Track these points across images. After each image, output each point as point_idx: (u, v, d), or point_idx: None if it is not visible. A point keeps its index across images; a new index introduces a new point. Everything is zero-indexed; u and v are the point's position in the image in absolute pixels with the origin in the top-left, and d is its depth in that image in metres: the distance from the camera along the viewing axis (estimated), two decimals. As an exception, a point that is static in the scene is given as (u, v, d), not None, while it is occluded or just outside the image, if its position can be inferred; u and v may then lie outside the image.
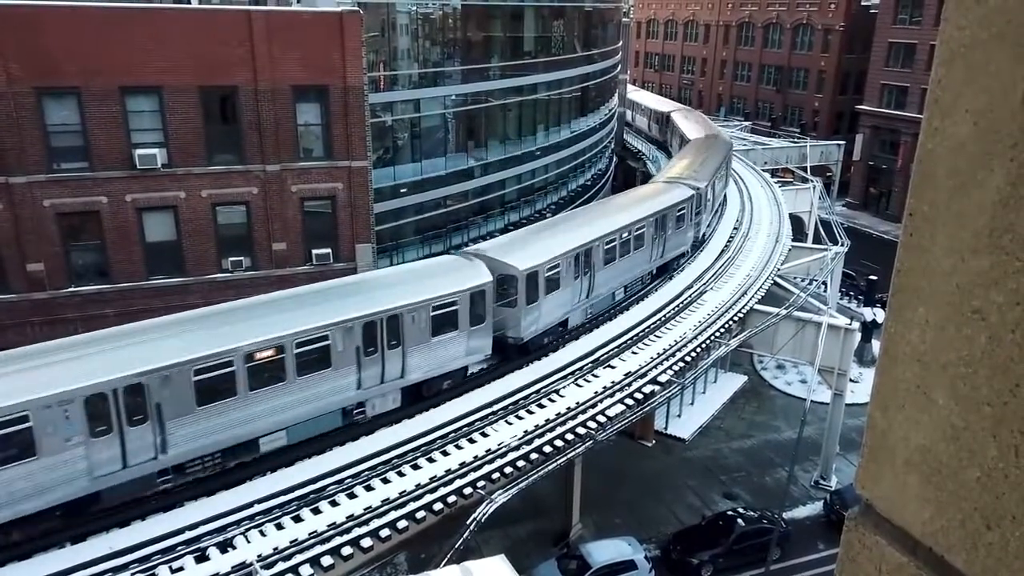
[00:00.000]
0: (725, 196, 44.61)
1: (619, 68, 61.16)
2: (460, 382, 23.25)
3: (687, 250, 34.70)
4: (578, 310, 27.32)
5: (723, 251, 37.08)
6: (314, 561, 16.48)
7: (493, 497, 18.84)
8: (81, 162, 24.34)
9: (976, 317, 1.30)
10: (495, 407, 22.38)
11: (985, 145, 1.27)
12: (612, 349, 26.24)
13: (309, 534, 16.99)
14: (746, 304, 30.82)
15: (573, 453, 21.49)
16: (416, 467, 19.61)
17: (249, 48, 25.28)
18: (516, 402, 22.78)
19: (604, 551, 25.01)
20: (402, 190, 34.06)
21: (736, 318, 29.84)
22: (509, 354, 24.52)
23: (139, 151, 24.58)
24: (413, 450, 20.20)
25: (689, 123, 53.73)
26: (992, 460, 1.29)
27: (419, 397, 22.04)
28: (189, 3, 33.66)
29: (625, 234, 28.99)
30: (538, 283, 24.29)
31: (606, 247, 27.81)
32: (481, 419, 21.78)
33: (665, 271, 33.26)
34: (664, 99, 72.92)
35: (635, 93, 74.79)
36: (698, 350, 27.11)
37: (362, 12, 27.55)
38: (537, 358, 25.06)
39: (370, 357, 20.34)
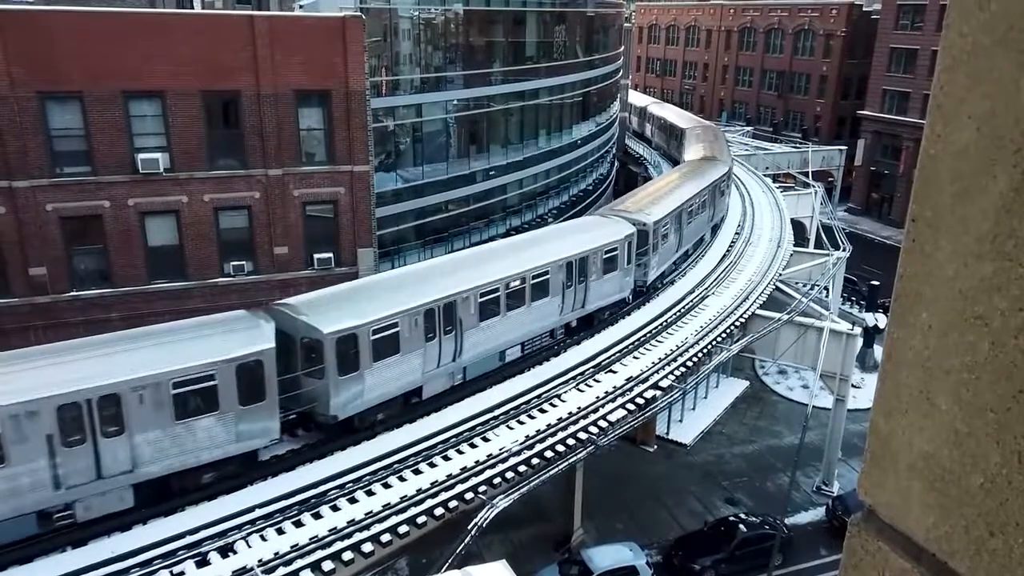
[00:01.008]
0: (721, 219, 42.61)
1: (621, 73, 61.25)
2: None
3: (627, 297, 29.78)
4: (438, 376, 22.56)
5: (724, 256, 37.08)
6: (315, 566, 16.45)
7: (495, 502, 18.81)
8: (84, 166, 24.40)
9: (979, 323, 1.30)
10: (497, 412, 22.36)
11: (988, 151, 1.27)
12: (614, 354, 26.22)
13: (310, 539, 16.96)
14: (748, 309, 30.80)
15: (575, 458, 21.46)
16: (418, 472, 19.58)
17: (252, 53, 25.35)
18: (518, 407, 22.76)
19: (605, 556, 24.95)
20: (403, 194, 34.13)
21: (738, 323, 29.81)
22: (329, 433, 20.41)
23: (142, 155, 24.64)
24: (415, 455, 20.17)
25: (694, 143, 49.36)
26: (995, 466, 1.29)
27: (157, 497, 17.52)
28: (192, 8, 33.79)
29: (516, 282, 24.08)
30: (359, 348, 19.77)
31: (481, 299, 22.86)
32: (483, 424, 21.75)
33: (590, 323, 28.26)
34: (687, 114, 65.89)
35: (658, 107, 68.77)
36: (700, 355, 27.09)
37: (364, 17, 27.63)
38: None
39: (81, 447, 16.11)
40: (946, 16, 1.33)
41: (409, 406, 21.92)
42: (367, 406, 20.31)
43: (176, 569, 15.95)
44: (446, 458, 20.23)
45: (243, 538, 16.87)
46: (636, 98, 76.52)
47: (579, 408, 22.75)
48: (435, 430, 21.19)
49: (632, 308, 30.22)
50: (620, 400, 23.48)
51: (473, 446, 20.82)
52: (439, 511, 18.42)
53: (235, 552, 16.55)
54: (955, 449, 1.36)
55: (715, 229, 40.61)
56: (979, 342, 1.31)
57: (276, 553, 16.48)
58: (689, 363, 26.41)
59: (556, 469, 20.80)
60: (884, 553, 1.47)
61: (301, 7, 29.85)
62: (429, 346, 21.59)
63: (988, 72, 1.26)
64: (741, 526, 26.95)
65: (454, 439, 20.97)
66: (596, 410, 22.81)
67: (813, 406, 28.65)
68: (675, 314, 29.82)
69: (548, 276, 25.29)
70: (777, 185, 52.67)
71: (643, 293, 31.16)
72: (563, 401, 23.27)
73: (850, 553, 1.55)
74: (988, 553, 1.30)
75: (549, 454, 20.89)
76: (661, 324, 28.81)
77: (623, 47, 61.65)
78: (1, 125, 22.93)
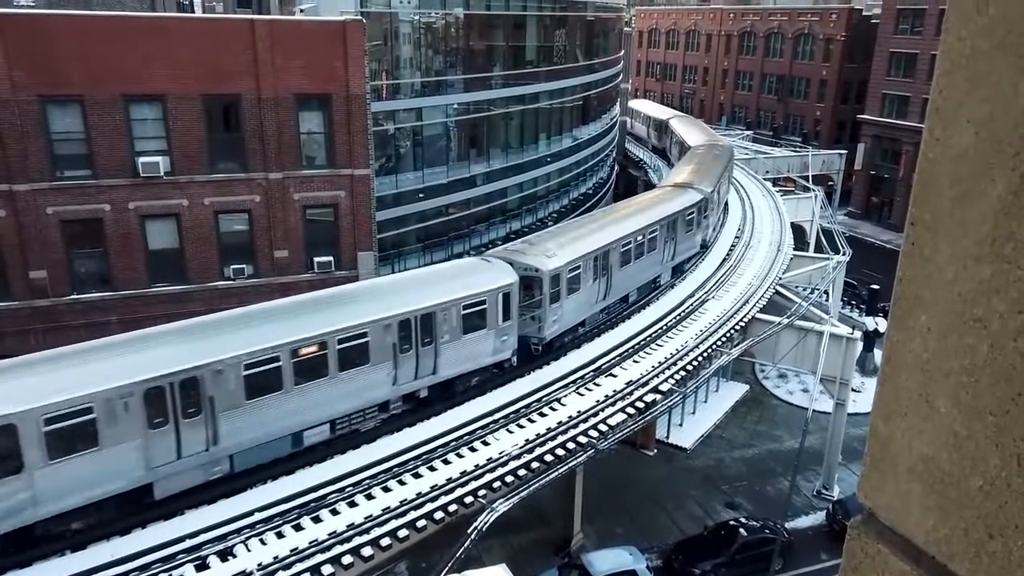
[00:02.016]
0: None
1: (621, 77, 61.34)
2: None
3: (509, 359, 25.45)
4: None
5: (724, 260, 37.07)
6: (314, 570, 16.42)
7: (494, 506, 18.79)
8: (84, 170, 24.43)
9: (978, 325, 1.30)
10: (496, 415, 22.34)
11: (987, 155, 1.28)
12: (614, 358, 26.20)
13: (310, 543, 16.94)
14: (748, 313, 30.79)
15: (574, 462, 21.44)
16: (417, 475, 19.56)
17: (252, 57, 25.39)
18: (517, 411, 22.74)
19: (605, 560, 24.91)
20: (403, 198, 34.15)
21: (738, 327, 29.80)
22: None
23: (142, 159, 24.66)
24: (414, 458, 20.15)
25: (689, 164, 43.03)
26: (995, 469, 1.29)
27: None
28: (193, 12, 33.84)
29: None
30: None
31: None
32: (482, 427, 21.74)
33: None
34: (706, 130, 57.64)
35: (681, 123, 59.88)
36: (700, 359, 27.08)
37: (365, 21, 27.67)
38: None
39: None
40: (945, 20, 1.34)
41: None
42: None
43: (175, 573, 15.92)
44: (446, 462, 20.21)
45: (242, 542, 16.84)
46: (653, 109, 70.44)
47: (579, 412, 22.73)
48: (435, 433, 21.17)
49: (633, 312, 30.22)
50: (620, 404, 23.45)
51: (473, 450, 20.81)
52: (439, 515, 18.39)
53: (234, 556, 16.53)
54: (954, 452, 1.36)
55: (678, 269, 34.78)
56: (978, 345, 1.31)
57: (275, 557, 16.45)
58: (689, 367, 26.40)
59: (556, 473, 20.78)
60: (884, 556, 1.47)
61: (302, 11, 29.89)
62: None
63: (987, 76, 1.26)
64: (741, 530, 26.91)
65: (454, 443, 20.95)
66: (596, 414, 22.79)
67: (813, 410, 28.63)
68: (675, 318, 29.81)
69: (368, 339, 20.62)
70: (777, 189, 52.70)
71: (537, 354, 25.77)
72: (563, 405, 23.24)
73: (850, 556, 1.55)
74: (988, 555, 1.30)
75: (549, 458, 20.87)
76: (662, 327, 28.79)
77: (623, 51, 61.75)
78: (2, 128, 22.95)
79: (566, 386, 23.82)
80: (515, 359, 24.70)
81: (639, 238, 30.00)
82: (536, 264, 24.92)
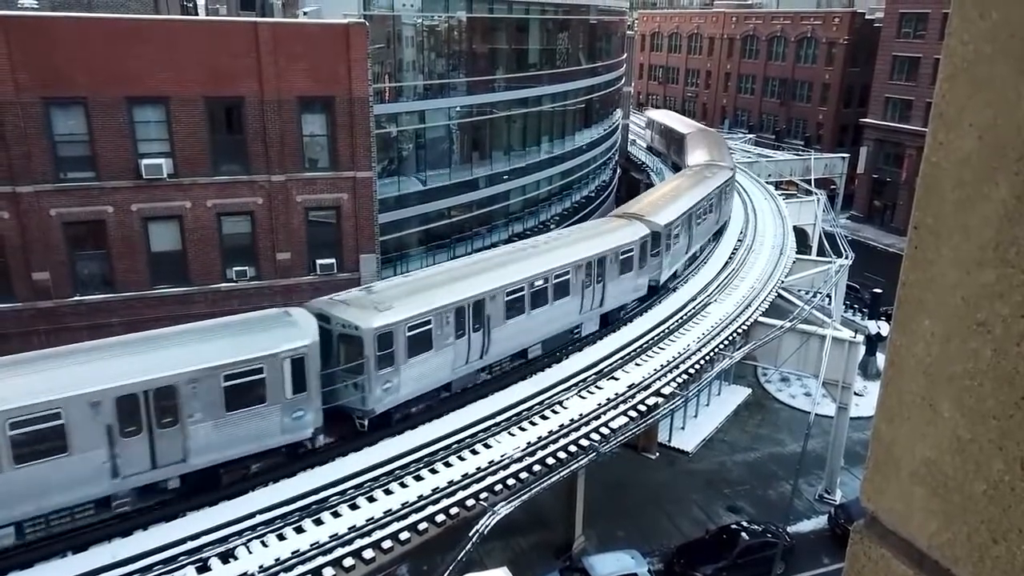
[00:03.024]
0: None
1: (623, 81, 61.38)
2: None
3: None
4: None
5: (727, 263, 37.06)
6: (316, 572, 16.43)
7: (496, 509, 18.77)
8: (87, 172, 24.46)
9: (981, 330, 1.30)
10: (498, 418, 22.34)
11: (990, 159, 1.28)
12: (616, 361, 26.19)
13: (311, 545, 16.94)
14: (750, 316, 30.76)
15: (576, 465, 21.42)
16: (419, 478, 19.56)
17: (255, 59, 25.43)
18: (519, 414, 22.73)
19: (607, 564, 24.89)
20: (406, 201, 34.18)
21: (740, 330, 29.78)
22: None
23: (145, 161, 24.70)
24: (416, 461, 20.15)
25: (660, 190, 39.33)
26: (998, 473, 1.29)
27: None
28: (196, 14, 33.93)
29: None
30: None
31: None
32: (484, 430, 21.73)
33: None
34: (716, 147, 49.91)
35: (695, 138, 53.18)
36: (702, 362, 27.05)
37: (368, 24, 27.71)
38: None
39: None
40: (948, 24, 1.34)
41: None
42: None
43: (177, 575, 15.93)
44: (448, 464, 20.21)
45: (244, 544, 16.84)
46: (674, 121, 62.88)
47: (581, 415, 22.72)
48: (437, 435, 21.17)
49: (634, 314, 30.20)
50: (622, 407, 23.44)
51: (475, 452, 20.80)
52: (440, 517, 18.38)
53: (236, 558, 16.53)
54: (958, 456, 1.36)
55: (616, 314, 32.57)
56: (981, 349, 1.31)
57: (277, 559, 16.46)
58: (691, 370, 26.37)
59: (558, 476, 20.76)
60: (887, 560, 1.47)
61: (305, 14, 29.93)
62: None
63: (990, 80, 1.26)
64: (743, 534, 26.87)
65: (456, 445, 20.95)
66: (598, 417, 22.78)
67: (815, 414, 28.59)
68: (677, 321, 29.79)
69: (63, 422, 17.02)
70: (779, 192, 52.67)
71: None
72: (565, 408, 23.23)
73: (853, 560, 1.55)
74: (991, 560, 1.30)
75: (551, 461, 20.85)
76: (663, 331, 28.77)
77: (625, 54, 61.79)
78: (5, 130, 23.00)
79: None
80: (321, 438, 20.00)
81: (539, 283, 25.03)
82: (357, 320, 20.15)
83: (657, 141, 65.28)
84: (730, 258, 37.85)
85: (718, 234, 40.52)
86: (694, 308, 31.13)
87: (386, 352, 20.34)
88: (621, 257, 28.36)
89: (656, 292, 31.62)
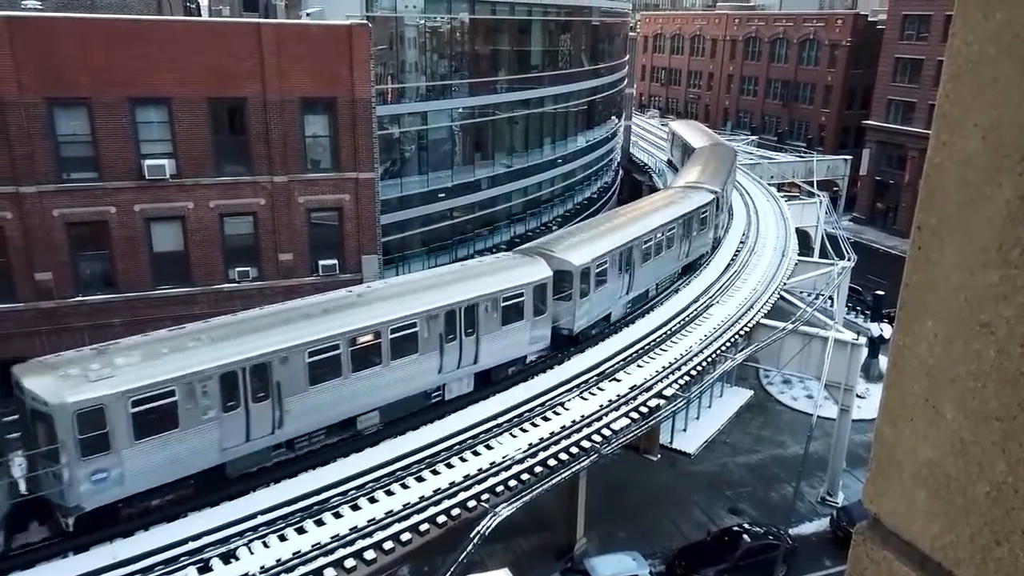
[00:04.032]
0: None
1: (626, 82, 61.39)
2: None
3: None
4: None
5: (729, 265, 37.02)
6: (317, 573, 16.42)
7: (497, 510, 18.76)
8: (90, 172, 24.50)
9: (985, 331, 1.30)
10: (500, 419, 22.33)
11: (993, 159, 1.27)
12: (618, 362, 26.17)
13: (312, 546, 16.94)
14: (752, 318, 30.74)
15: (578, 467, 21.41)
16: (420, 479, 19.56)
17: (258, 60, 25.47)
18: (521, 415, 22.72)
19: (608, 566, 24.87)
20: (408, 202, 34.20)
21: (742, 332, 29.75)
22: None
23: (148, 162, 24.74)
24: (417, 462, 20.15)
25: (595, 227, 31.89)
26: (1001, 474, 1.28)
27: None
28: (199, 15, 33.99)
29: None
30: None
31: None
32: (485, 431, 21.72)
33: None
34: (711, 163, 44.23)
35: (699, 154, 47.68)
36: (704, 364, 27.03)
37: (370, 25, 27.74)
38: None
39: None
40: (952, 25, 1.33)
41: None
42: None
43: (178, 575, 15.93)
44: (449, 465, 20.21)
45: (245, 544, 16.85)
46: (689, 132, 56.27)
47: (582, 416, 22.70)
48: (438, 437, 21.17)
49: (637, 316, 30.19)
50: (624, 409, 23.42)
51: (476, 453, 20.80)
52: (442, 518, 18.38)
53: (237, 559, 16.53)
54: (960, 457, 1.36)
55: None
56: (985, 350, 1.30)
57: (278, 560, 16.46)
58: (693, 372, 26.35)
59: (559, 477, 20.75)
60: (889, 562, 1.47)
61: (308, 15, 29.97)
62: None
63: (994, 81, 1.26)
64: (745, 536, 26.83)
65: (457, 446, 20.94)
66: (599, 418, 22.76)
67: (818, 416, 28.54)
68: (679, 322, 29.78)
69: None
70: (782, 194, 52.63)
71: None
72: (566, 409, 23.22)
73: (855, 561, 1.54)
74: (994, 562, 1.30)
75: (552, 462, 20.84)
76: (665, 333, 28.76)
77: (628, 56, 61.79)
78: (9, 130, 23.04)
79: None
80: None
81: (366, 338, 20.67)
82: (48, 394, 16.03)
83: (676, 156, 58.33)
84: (732, 260, 37.81)
85: (691, 268, 35.04)
86: (696, 310, 31.11)
87: (94, 435, 16.19)
88: (504, 304, 23.48)
89: (571, 342, 26.33)
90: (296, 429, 19.50)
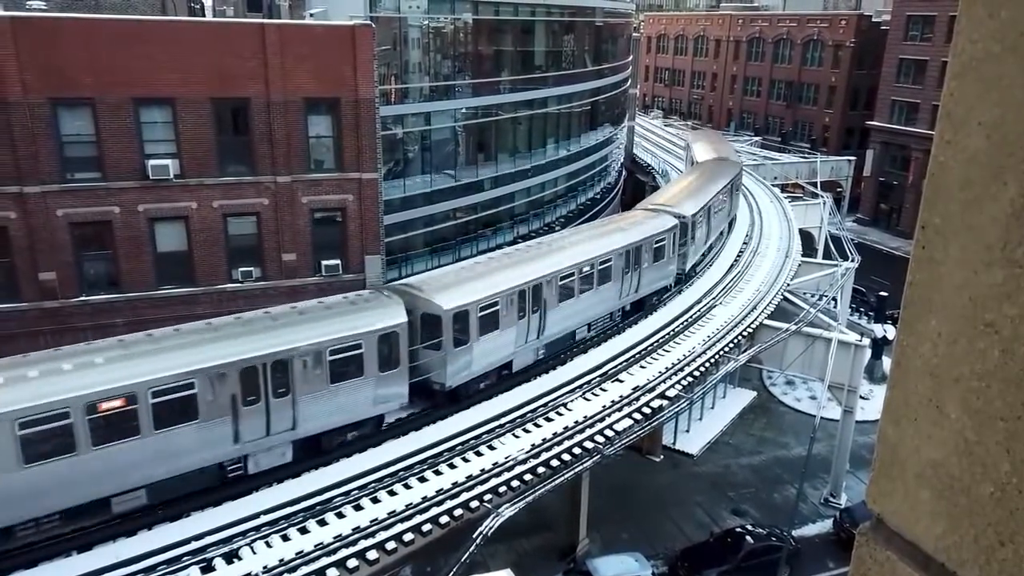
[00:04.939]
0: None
1: (629, 82, 61.38)
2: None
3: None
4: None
5: (732, 266, 36.99)
6: (320, 573, 16.43)
7: (500, 511, 18.76)
8: (94, 172, 24.55)
9: (989, 330, 1.29)
10: (503, 420, 22.33)
11: (998, 158, 1.27)
12: (620, 363, 26.15)
13: (315, 546, 16.95)
14: (755, 319, 30.70)
15: (580, 467, 21.39)
16: (423, 480, 19.56)
17: (262, 61, 25.50)
18: (524, 415, 22.71)
19: (611, 566, 24.86)
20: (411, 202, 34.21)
21: (745, 333, 29.72)
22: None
23: (152, 162, 24.78)
24: (420, 462, 20.15)
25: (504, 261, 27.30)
26: (1006, 475, 1.28)
27: None
28: (204, 15, 34.03)
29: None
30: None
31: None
32: (488, 432, 21.72)
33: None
34: (696, 176, 42.01)
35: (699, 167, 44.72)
36: (707, 365, 27.00)
37: (374, 26, 27.76)
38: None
39: None
40: (956, 23, 1.33)
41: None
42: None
43: (181, 575, 15.95)
44: (452, 466, 20.21)
45: (248, 544, 16.86)
46: (701, 145, 51.56)
47: (585, 417, 22.69)
48: (441, 437, 21.17)
49: (639, 316, 30.16)
50: (626, 409, 23.41)
51: (479, 454, 20.80)
52: (444, 519, 18.38)
53: (240, 558, 16.55)
54: (964, 458, 1.35)
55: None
56: (989, 350, 1.30)
57: (281, 560, 16.47)
58: (696, 373, 26.32)
59: (562, 478, 20.74)
60: (892, 562, 1.46)
61: (311, 15, 30.00)
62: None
63: (998, 79, 1.26)
64: (748, 537, 26.80)
65: (460, 447, 20.95)
66: (602, 419, 22.75)
67: (821, 417, 28.50)
68: (682, 323, 29.75)
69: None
70: (785, 195, 52.56)
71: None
72: (569, 410, 23.21)
73: (858, 562, 1.53)
74: (998, 563, 1.29)
75: (555, 463, 20.83)
76: (668, 334, 28.73)
77: (631, 56, 61.78)
78: (13, 130, 23.09)
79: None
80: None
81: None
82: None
83: (687, 170, 52.45)
84: (735, 261, 37.77)
85: (641, 305, 30.96)
86: (699, 311, 31.08)
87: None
88: (333, 357, 19.88)
89: (453, 398, 23.04)
90: (9, 518, 15.96)
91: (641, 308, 30.80)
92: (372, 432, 21.03)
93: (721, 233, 40.09)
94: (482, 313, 22.84)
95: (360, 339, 20.14)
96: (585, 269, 26.96)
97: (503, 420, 22.33)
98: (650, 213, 32.80)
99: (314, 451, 19.89)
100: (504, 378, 24.49)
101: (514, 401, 23.30)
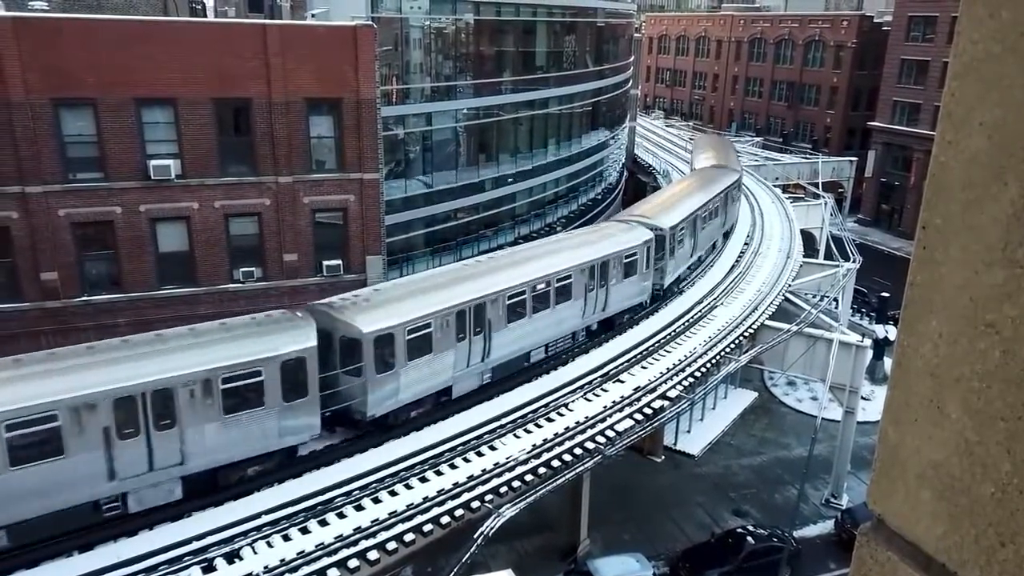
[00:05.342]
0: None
1: (631, 83, 61.39)
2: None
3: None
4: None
5: (734, 266, 36.97)
6: (321, 573, 16.43)
7: (501, 511, 18.76)
8: (96, 172, 24.58)
9: (990, 331, 1.29)
10: (504, 420, 22.32)
11: (999, 158, 1.27)
12: (622, 364, 26.14)
13: (316, 546, 16.95)
14: (757, 320, 30.69)
15: (581, 468, 21.39)
16: (424, 480, 19.56)
17: (263, 61, 25.52)
18: (525, 416, 22.70)
19: (612, 567, 24.84)
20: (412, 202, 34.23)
21: (747, 334, 29.70)
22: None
23: (153, 162, 24.81)
24: (421, 462, 20.15)
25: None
26: (1006, 475, 1.28)
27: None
28: (205, 16, 34.06)
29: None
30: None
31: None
32: (490, 432, 21.72)
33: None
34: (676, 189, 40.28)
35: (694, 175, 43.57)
36: (708, 365, 26.99)
37: (375, 26, 27.78)
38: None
39: None
40: (957, 23, 1.33)
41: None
42: None
43: (182, 575, 15.96)
44: (453, 466, 20.20)
45: (249, 544, 16.87)
46: (700, 149, 50.93)
47: (586, 418, 22.68)
48: (442, 438, 21.17)
49: (641, 317, 30.15)
50: (628, 410, 23.40)
51: (480, 455, 20.79)
52: (445, 519, 18.38)
53: (241, 558, 16.55)
54: (965, 458, 1.35)
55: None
56: (990, 350, 1.30)
57: (282, 560, 16.47)
58: (697, 374, 26.31)
59: (563, 478, 20.73)
60: (893, 563, 1.46)
61: (313, 16, 30.02)
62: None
63: (999, 79, 1.26)
64: (749, 538, 26.78)
65: (461, 447, 20.94)
66: (603, 420, 22.74)
67: (822, 418, 28.49)
68: (684, 324, 29.74)
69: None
70: (787, 196, 52.55)
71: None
72: (570, 410, 23.20)
73: (859, 563, 1.53)
74: (999, 563, 1.29)
75: (556, 463, 20.83)
76: (670, 334, 28.72)
77: (633, 57, 61.79)
78: (15, 131, 23.13)
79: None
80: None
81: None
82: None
83: None
84: (736, 261, 37.76)
85: (610, 323, 28.90)
86: (700, 311, 31.06)
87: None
88: (225, 386, 17.94)
89: (381, 427, 21.26)
90: None
91: (611, 327, 28.73)
92: (279, 467, 19.09)
93: (714, 245, 38.49)
94: (411, 336, 21.00)
95: (259, 365, 18.25)
96: (539, 287, 24.95)
97: (504, 421, 22.28)
98: (624, 225, 30.85)
99: (210, 487, 18.10)
100: (442, 405, 22.56)
101: (515, 402, 23.24)
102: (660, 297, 31.67)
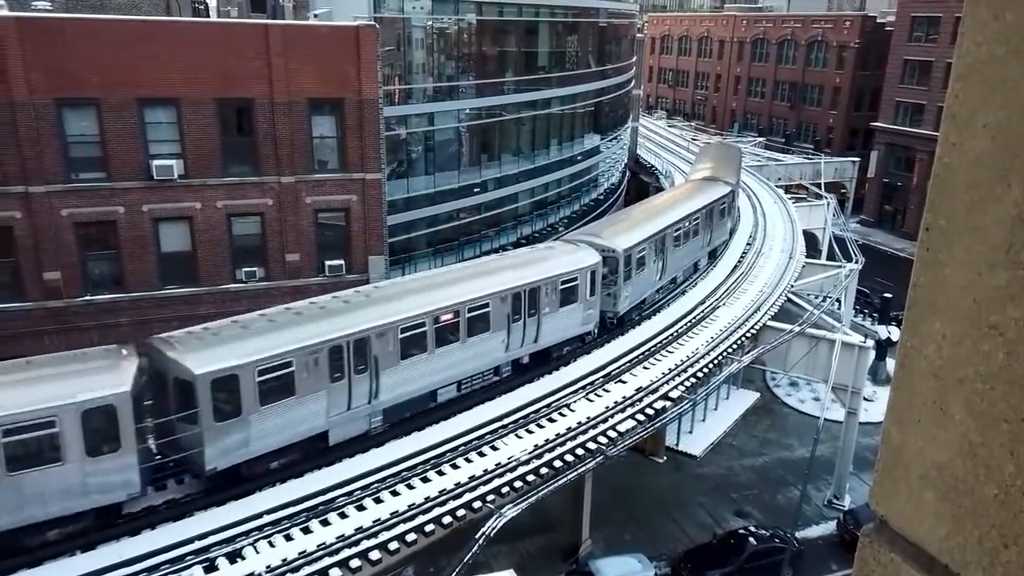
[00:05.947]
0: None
1: (633, 83, 61.38)
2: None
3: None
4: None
5: (736, 267, 36.94)
6: (322, 573, 16.45)
7: (503, 511, 18.76)
8: (99, 172, 24.62)
9: (993, 332, 1.29)
10: (505, 420, 22.32)
11: (1003, 160, 1.27)
12: (624, 364, 26.13)
13: (318, 546, 16.97)
14: (759, 320, 30.66)
15: (583, 468, 21.38)
16: (426, 480, 19.57)
17: (266, 61, 25.55)
18: (527, 415, 22.70)
19: (614, 567, 24.83)
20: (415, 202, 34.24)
21: (749, 334, 29.68)
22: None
23: (156, 162, 24.84)
24: (424, 462, 20.16)
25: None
26: (1010, 477, 1.28)
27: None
28: (208, 16, 34.09)
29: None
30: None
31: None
32: (491, 432, 21.72)
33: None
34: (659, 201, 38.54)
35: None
36: (710, 366, 26.97)
37: (378, 26, 27.79)
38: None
39: None
40: (961, 25, 1.33)
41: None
42: None
43: (184, 574, 15.98)
44: (455, 466, 20.21)
45: (251, 544, 16.88)
46: (702, 157, 46.97)
47: (588, 418, 22.68)
48: (444, 438, 21.17)
49: (641, 319, 30.13)
50: (630, 410, 23.39)
51: (482, 455, 20.80)
52: (447, 519, 18.38)
53: (243, 558, 16.57)
54: (968, 459, 1.35)
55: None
56: (993, 352, 1.30)
57: (284, 559, 16.49)
58: (700, 374, 26.29)
59: (565, 479, 20.73)
60: (896, 564, 1.46)
61: (316, 16, 30.05)
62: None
63: (1003, 81, 1.26)
64: (751, 539, 26.75)
65: (463, 447, 20.95)
66: (605, 420, 22.74)
67: (824, 419, 28.45)
68: (685, 324, 29.71)
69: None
70: (789, 196, 52.51)
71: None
72: (572, 411, 23.19)
73: (862, 564, 1.53)
74: (1001, 565, 1.29)
75: (558, 464, 20.83)
76: (671, 335, 28.70)
77: (635, 57, 61.78)
78: (18, 131, 23.16)
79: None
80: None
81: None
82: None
83: None
84: (739, 262, 37.73)
85: (546, 355, 26.30)
86: (702, 312, 31.02)
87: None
88: (7, 439, 15.81)
89: (236, 479, 18.88)
90: None
91: (548, 360, 26.02)
92: (93, 527, 16.77)
93: (696, 265, 36.00)
94: (263, 377, 18.33)
95: (53, 414, 15.79)
96: (444, 317, 22.26)
97: (506, 421, 22.26)
98: (569, 247, 27.78)
99: (7, 550, 15.91)
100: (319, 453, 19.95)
101: (516, 402, 23.20)
102: (614, 327, 28.75)
